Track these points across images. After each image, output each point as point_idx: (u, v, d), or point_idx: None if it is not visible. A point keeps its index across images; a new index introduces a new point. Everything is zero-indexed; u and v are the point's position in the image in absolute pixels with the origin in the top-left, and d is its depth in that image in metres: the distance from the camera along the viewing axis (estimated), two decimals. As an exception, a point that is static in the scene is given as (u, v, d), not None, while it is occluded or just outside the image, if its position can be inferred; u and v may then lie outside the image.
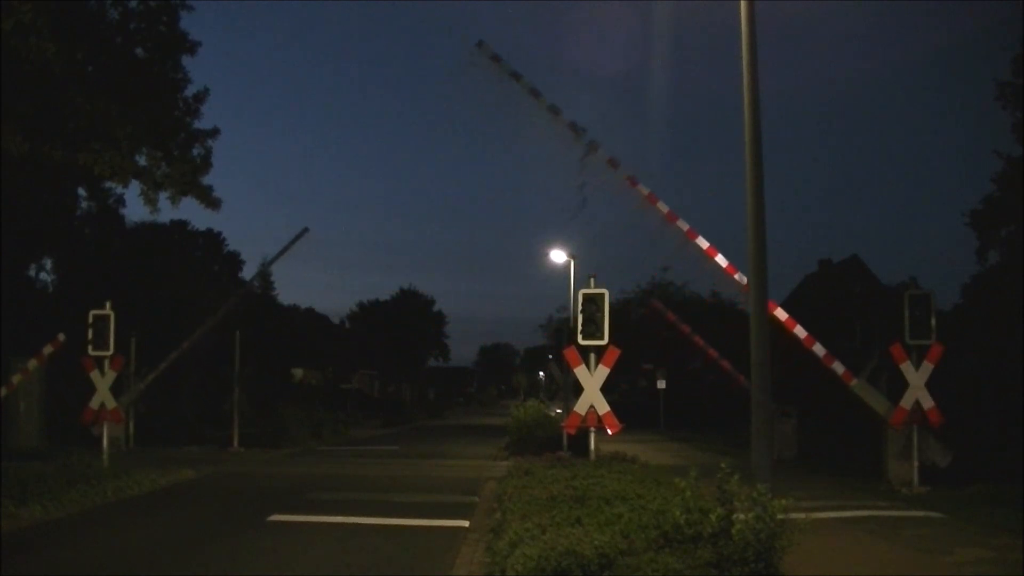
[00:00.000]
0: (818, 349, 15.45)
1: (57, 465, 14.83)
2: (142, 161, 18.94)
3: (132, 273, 29.17)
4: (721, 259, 15.37)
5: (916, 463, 14.85)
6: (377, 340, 71.30)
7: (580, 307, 13.97)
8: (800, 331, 15.46)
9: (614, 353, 13.96)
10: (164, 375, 22.50)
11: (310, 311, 62.66)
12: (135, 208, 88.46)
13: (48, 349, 18.46)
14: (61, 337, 18.35)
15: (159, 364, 22.23)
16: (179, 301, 29.75)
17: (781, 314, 15.53)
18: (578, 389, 14.69)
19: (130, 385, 21.97)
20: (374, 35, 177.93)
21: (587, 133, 15.49)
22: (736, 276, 15.18)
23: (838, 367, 15.38)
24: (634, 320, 44.78)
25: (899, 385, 15.18)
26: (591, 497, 9.74)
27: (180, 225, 38.04)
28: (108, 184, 25.29)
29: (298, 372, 50.69)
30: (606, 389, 14.18)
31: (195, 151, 19.54)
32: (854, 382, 15.35)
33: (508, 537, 8.07)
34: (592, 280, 14.20)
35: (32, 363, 18.93)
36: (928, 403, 14.86)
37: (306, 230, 24.55)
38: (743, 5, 8.51)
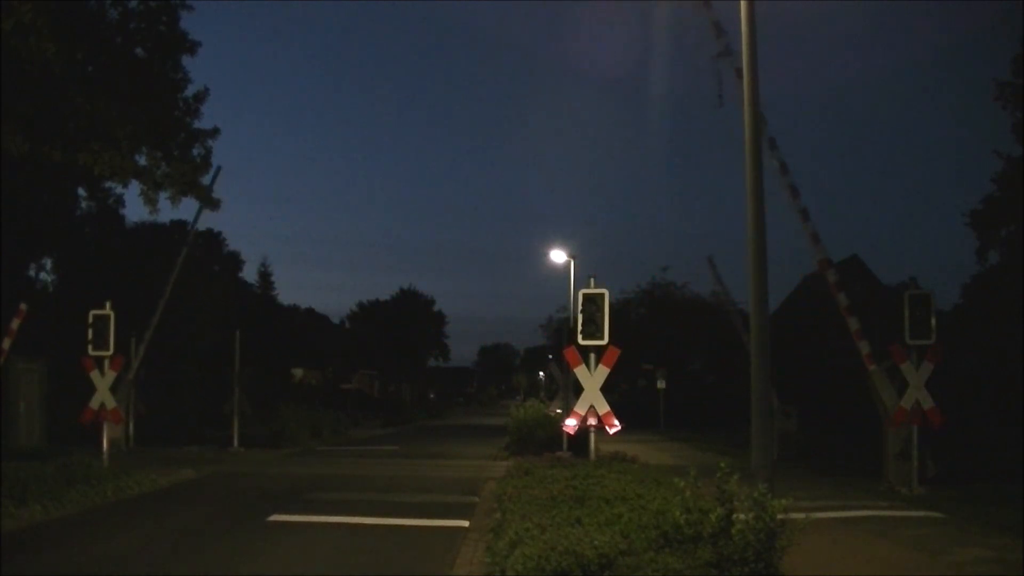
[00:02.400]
0: (852, 323, 15.70)
1: (57, 465, 14.82)
2: (142, 161, 18.91)
3: (132, 273, 29.16)
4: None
5: (916, 463, 14.84)
6: (377, 340, 71.27)
7: (580, 307, 13.95)
8: (843, 299, 15.80)
9: (614, 353, 13.94)
10: (165, 375, 22.47)
11: (310, 311, 62.63)
12: (135, 208, 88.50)
13: (16, 323, 18.31)
14: (23, 307, 18.27)
15: (155, 361, 22.16)
16: (179, 301, 29.72)
17: (831, 276, 15.54)
18: (578, 389, 14.68)
19: (128, 382, 21.97)
20: (374, 35, 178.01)
21: (728, 35, 15.50)
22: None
23: (864, 346, 15.53)
24: (634, 320, 44.82)
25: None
26: (591, 497, 9.75)
27: (180, 225, 38.01)
28: (108, 184, 25.31)
29: (298, 372, 50.67)
30: (606, 389, 14.17)
31: (195, 151, 19.50)
32: (873, 367, 15.39)
33: (508, 537, 8.07)
34: (592, 280, 14.19)
35: (6, 341, 18.76)
36: (928, 403, 14.86)
37: (219, 169, 23.45)
38: (743, 5, 8.51)
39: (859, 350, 15.61)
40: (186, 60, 19.04)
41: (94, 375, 17.43)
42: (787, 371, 24.88)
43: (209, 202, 20.31)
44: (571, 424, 14.47)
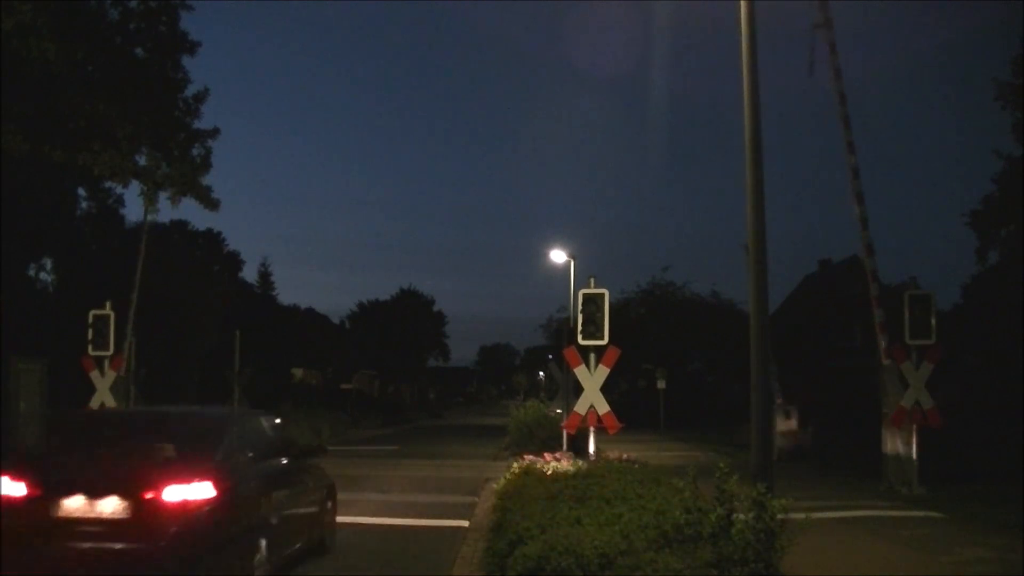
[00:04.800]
0: (879, 315, 15.75)
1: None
2: (142, 161, 18.93)
3: (132, 273, 29.19)
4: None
5: (916, 463, 14.84)
6: (377, 340, 71.29)
7: (580, 307, 13.94)
8: (875, 288, 15.86)
9: (614, 353, 13.94)
10: (165, 375, 22.37)
11: (310, 311, 62.65)
12: (135, 208, 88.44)
13: None
14: None
15: (154, 362, 22.04)
16: (179, 301, 29.76)
17: (870, 264, 15.86)
18: (578, 389, 14.68)
19: (130, 385, 21.93)
20: (374, 35, 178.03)
21: (831, 8, 15.71)
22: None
23: (883, 339, 15.52)
24: (634, 320, 44.80)
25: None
26: (591, 497, 9.73)
27: (180, 225, 38.08)
28: (108, 184, 25.30)
29: (298, 372, 50.68)
30: (606, 389, 14.17)
31: (195, 151, 19.51)
32: (887, 362, 15.37)
33: (508, 537, 8.07)
34: (592, 280, 14.18)
35: None
36: (928, 403, 14.87)
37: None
38: (743, 5, 8.50)
39: (878, 343, 15.66)
40: (186, 60, 19.04)
41: (94, 375, 17.45)
42: (787, 371, 24.91)
43: (209, 202, 20.30)
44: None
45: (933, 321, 14.94)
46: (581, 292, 14.17)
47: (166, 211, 43.17)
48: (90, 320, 17.19)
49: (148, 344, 24.94)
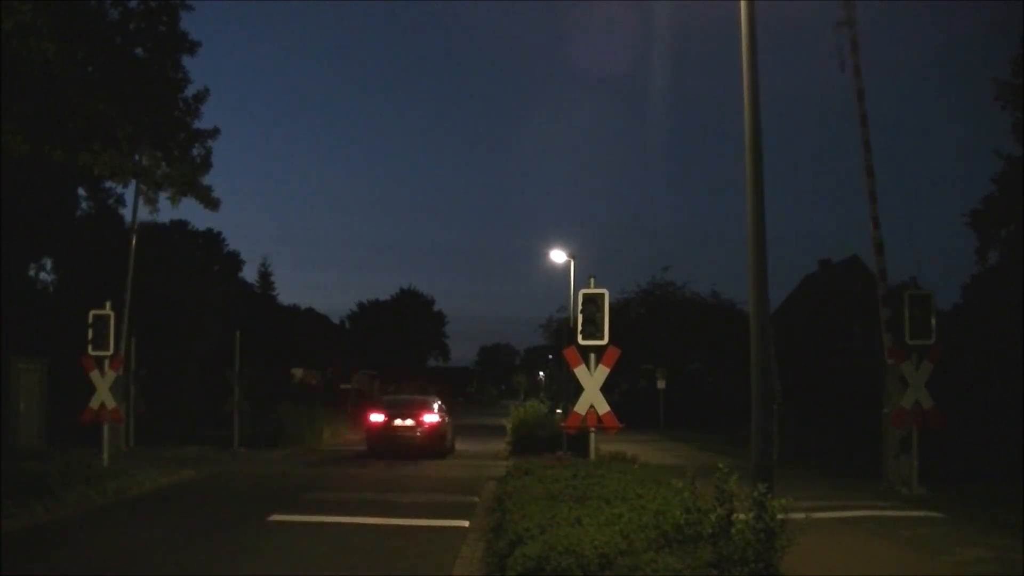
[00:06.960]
0: (884, 313, 15.87)
1: (57, 465, 14.80)
2: (142, 161, 18.95)
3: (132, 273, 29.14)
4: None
5: (916, 463, 14.83)
6: (377, 340, 71.28)
7: (580, 307, 13.94)
8: (883, 287, 16.01)
9: (614, 353, 13.94)
10: (165, 375, 22.31)
11: (310, 311, 62.64)
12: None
13: None
14: None
15: (154, 362, 21.89)
16: (179, 301, 29.74)
17: (879, 263, 16.10)
18: (578, 389, 14.68)
19: (130, 385, 21.95)
20: (374, 35, 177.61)
21: (856, 7, 16.05)
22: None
23: (888, 338, 15.63)
24: (634, 320, 44.79)
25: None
26: (591, 497, 9.74)
27: (180, 225, 38.07)
28: (108, 184, 25.30)
29: (298, 372, 50.59)
30: (606, 389, 14.17)
31: (195, 151, 19.55)
32: (891, 361, 15.37)
33: (508, 537, 8.07)
34: (592, 280, 14.18)
35: None
36: (928, 403, 14.86)
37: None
38: (743, 5, 8.50)
39: (883, 342, 15.69)
40: (186, 60, 19.11)
41: (94, 375, 17.43)
42: (787, 371, 24.89)
43: (209, 202, 20.33)
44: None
45: (933, 321, 14.92)
46: (581, 292, 14.17)
47: (166, 211, 43.25)
48: (90, 320, 17.16)
49: (148, 344, 24.95)
